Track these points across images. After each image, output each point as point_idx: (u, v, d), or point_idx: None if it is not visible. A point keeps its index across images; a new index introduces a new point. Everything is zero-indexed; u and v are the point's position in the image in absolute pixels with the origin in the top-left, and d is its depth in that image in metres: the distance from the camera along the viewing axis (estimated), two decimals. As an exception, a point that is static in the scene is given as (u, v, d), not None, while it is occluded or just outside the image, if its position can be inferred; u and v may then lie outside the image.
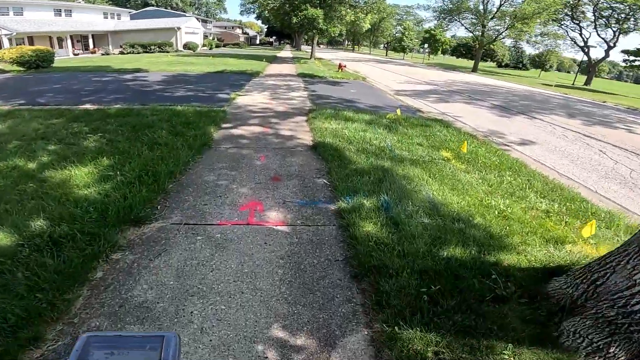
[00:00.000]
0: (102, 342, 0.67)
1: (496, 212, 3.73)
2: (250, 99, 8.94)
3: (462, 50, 71.07)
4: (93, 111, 6.83)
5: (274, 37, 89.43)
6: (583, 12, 35.90)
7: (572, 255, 3.11)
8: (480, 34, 34.78)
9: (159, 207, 3.48)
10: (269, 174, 4.31)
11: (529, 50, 75.27)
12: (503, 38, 32.44)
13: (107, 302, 2.21)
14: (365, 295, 2.45)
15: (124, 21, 39.85)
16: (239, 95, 9.32)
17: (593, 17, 36.03)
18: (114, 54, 33.42)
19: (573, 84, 34.56)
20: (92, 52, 33.47)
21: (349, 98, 10.11)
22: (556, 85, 26.96)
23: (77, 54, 31.82)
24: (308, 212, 3.49)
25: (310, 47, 32.74)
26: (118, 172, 3.86)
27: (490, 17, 31.27)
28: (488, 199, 4.02)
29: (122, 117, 6.25)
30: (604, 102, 18.65)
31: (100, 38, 36.27)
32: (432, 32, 62.07)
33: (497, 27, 32.51)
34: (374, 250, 2.82)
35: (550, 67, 63.33)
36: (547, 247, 3.21)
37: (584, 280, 2.27)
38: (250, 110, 7.66)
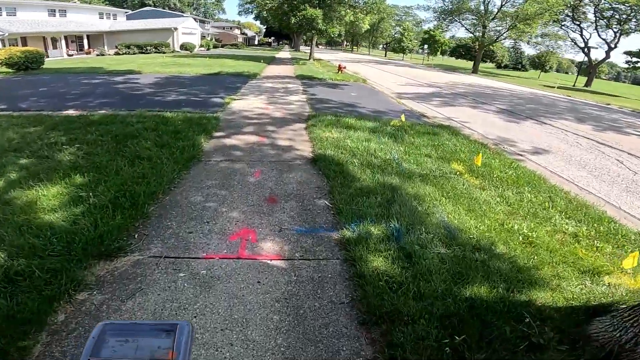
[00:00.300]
0: (117, 330, 0.69)
1: (520, 238, 3.30)
2: (246, 103, 8.47)
3: (461, 51, 70.77)
4: (75, 118, 6.35)
5: (273, 38, 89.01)
6: (584, 13, 35.66)
7: (614, 290, 2.70)
8: (481, 34, 34.41)
9: (136, 235, 3.02)
10: (264, 193, 3.84)
11: (528, 51, 75.23)
12: (504, 39, 32.05)
13: (70, 350, 1.86)
14: (376, 347, 2.03)
15: (120, 21, 39.33)
16: (234, 99, 8.85)
17: (594, 18, 35.83)
18: (109, 54, 32.89)
19: (574, 86, 34.26)
20: (87, 53, 32.92)
21: (350, 102, 9.66)
22: (558, 87, 26.61)
23: (72, 55, 31.28)
24: (308, 242, 3.03)
25: (309, 48, 32.28)
26: (91, 194, 3.38)
27: (491, 17, 30.90)
28: (509, 222, 3.57)
29: (105, 125, 5.77)
30: (608, 104, 18.29)
31: (95, 38, 35.74)
32: (432, 33, 61.81)
33: (497, 28, 32.15)
34: (385, 292, 2.37)
35: (550, 68, 63.06)
36: (583, 280, 2.78)
37: (635, 323, 1.97)
38: (246, 116, 7.19)
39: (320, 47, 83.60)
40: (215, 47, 49.69)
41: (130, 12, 44.31)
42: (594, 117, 11.92)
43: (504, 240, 3.21)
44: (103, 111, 7.14)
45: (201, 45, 43.11)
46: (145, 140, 4.97)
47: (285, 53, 43.69)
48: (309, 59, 29.73)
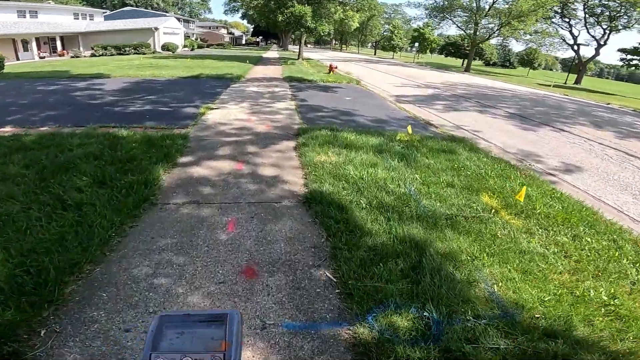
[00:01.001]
0: (173, 322, 0.70)
1: (602, 310, 2.32)
2: (225, 114, 7.18)
3: (450, 49, 70.48)
4: (6, 139, 4.99)
5: (261, 37, 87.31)
6: (575, 10, 35.27)
7: None
8: (473, 32, 33.65)
9: (42, 332, 1.89)
10: (240, 260, 2.63)
11: (515, 48, 75.38)
12: (497, 36, 31.36)
13: None
14: None
15: (97, 22, 37.35)
16: (211, 108, 7.55)
17: (583, 15, 35.50)
18: (84, 56, 30.98)
19: (565, 83, 33.87)
20: (60, 55, 30.95)
21: (346, 109, 8.47)
22: (554, 86, 25.97)
23: (44, 57, 29.32)
24: (305, 350, 1.87)
25: (298, 47, 30.99)
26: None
27: (483, 14, 30.13)
28: (579, 285, 2.57)
29: (37, 150, 4.45)
30: (609, 104, 17.60)
31: (70, 40, 33.77)
32: (421, 30, 61.17)
33: (489, 25, 31.41)
34: None
35: (539, 65, 63.15)
36: None
37: None
38: (222, 132, 5.92)
39: (309, 46, 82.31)
40: (200, 47, 47.89)
41: (108, 12, 42.24)
42: (609, 122, 11.01)
43: (581, 316, 2.23)
44: (46, 128, 5.78)
45: (185, 46, 41.33)
46: (81, 175, 3.68)
47: (273, 53, 42.22)
48: (298, 58, 28.45)
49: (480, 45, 67.52)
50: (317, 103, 8.91)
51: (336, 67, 17.29)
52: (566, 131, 8.58)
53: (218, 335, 0.67)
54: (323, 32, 22.35)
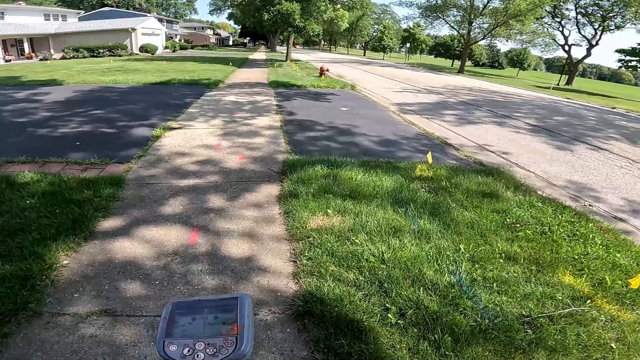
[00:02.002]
0: (185, 308, 0.72)
1: None
2: (187, 137, 5.47)
3: (440, 49, 69.82)
4: None
5: (248, 38, 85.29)
6: (567, 9, 34.57)
7: None
8: (467, 32, 32.55)
9: None
10: None
11: (503, 49, 75.32)
12: (492, 36, 30.26)
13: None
14: None
15: (70, 23, 34.97)
16: (171, 128, 5.82)
17: (574, 15, 34.85)
18: (54, 59, 28.67)
19: (558, 84, 33.11)
20: (27, 58, 28.57)
21: (344, 124, 6.85)
22: (553, 88, 24.94)
23: (9, 60, 26.94)
24: None
25: (286, 48, 29.28)
26: None
27: (478, 14, 29.00)
28: None
29: None
30: (614, 108, 16.53)
31: (40, 42, 31.39)
32: (411, 31, 60.21)
33: (484, 25, 30.32)
34: None
35: (529, 66, 63.03)
36: None
37: None
38: (177, 169, 4.22)
39: (297, 47, 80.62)
40: (184, 48, 45.73)
41: (82, 13, 39.77)
42: (638, 134, 9.70)
43: None
44: None
45: (166, 47, 39.16)
46: None
47: (260, 54, 40.38)
48: (286, 59, 26.77)
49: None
50: (308, 117, 7.26)
51: (327, 70, 15.70)
52: (604, 149, 7.16)
53: (230, 320, 0.68)
54: (313, 32, 20.74)
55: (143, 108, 7.24)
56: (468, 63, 72.62)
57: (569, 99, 18.67)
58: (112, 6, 53.55)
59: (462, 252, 2.74)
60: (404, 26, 62.37)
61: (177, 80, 11.37)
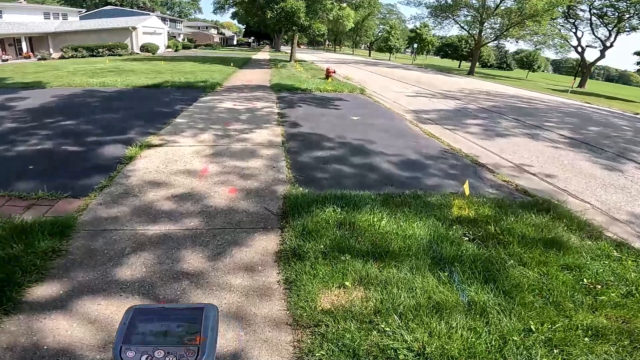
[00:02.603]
0: (147, 315, 0.69)
1: None
2: (167, 158, 4.49)
3: (447, 50, 68.46)
4: None
5: (252, 38, 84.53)
6: (583, 11, 33.24)
7: None
8: (478, 32, 31.35)
9: None
10: None
11: (511, 49, 73.76)
12: (505, 37, 29.01)
13: None
14: None
15: (70, 21, 34.25)
16: (150, 145, 4.84)
17: (588, 16, 33.49)
18: (53, 58, 27.94)
19: (578, 86, 31.82)
20: (25, 57, 27.87)
21: (357, 140, 5.83)
22: (571, 92, 23.70)
23: (6, 60, 26.25)
24: None
25: (290, 48, 28.32)
26: None
27: (491, 13, 27.79)
28: None
29: None
30: (637, 114, 15.38)
31: (39, 41, 30.70)
32: (418, 31, 58.94)
33: (495, 26, 29.08)
34: None
35: (539, 67, 61.48)
36: None
37: None
38: (147, 206, 3.22)
39: (301, 47, 79.69)
40: (186, 47, 44.95)
41: (84, 11, 39.08)
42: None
43: None
44: None
45: (168, 47, 38.36)
46: None
47: (264, 54, 39.46)
48: (290, 60, 25.81)
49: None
50: (315, 129, 6.25)
51: (334, 72, 14.69)
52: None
53: (193, 329, 0.66)
54: (318, 32, 19.73)
55: (123, 118, 6.27)
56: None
57: (589, 103, 17.51)
58: (115, 5, 52.95)
59: (534, 334, 1.81)
60: (410, 26, 61.19)
61: (170, 83, 10.41)
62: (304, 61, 27.95)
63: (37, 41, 30.76)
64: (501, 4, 27.85)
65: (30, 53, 28.83)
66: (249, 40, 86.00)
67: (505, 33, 27.84)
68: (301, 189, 3.70)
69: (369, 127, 6.79)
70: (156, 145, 4.82)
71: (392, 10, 74.86)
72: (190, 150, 4.70)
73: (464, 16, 31.89)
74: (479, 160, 5.53)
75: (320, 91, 10.82)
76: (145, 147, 4.71)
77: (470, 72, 32.37)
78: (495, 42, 31.57)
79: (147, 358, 0.61)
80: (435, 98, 12.05)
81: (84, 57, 27.31)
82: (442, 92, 14.22)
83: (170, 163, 4.26)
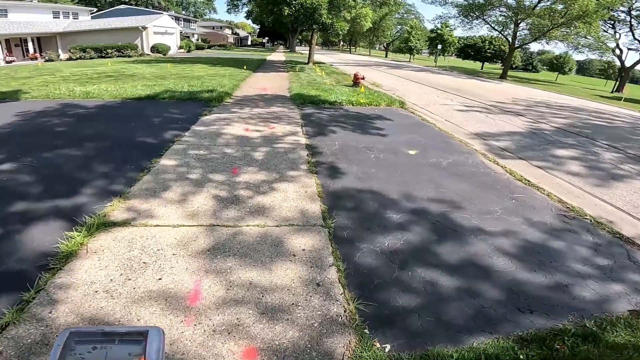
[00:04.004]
0: (85, 337, 0.64)
1: None
2: (132, 254, 2.51)
3: (469, 51, 65.27)
4: None
5: (267, 38, 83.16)
6: (622, 12, 30.13)
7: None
8: (513, 34, 28.67)
9: None
10: None
11: (534, 49, 69.91)
12: (549, 39, 26.23)
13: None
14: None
15: (80, 21, 33.16)
16: (108, 223, 2.88)
17: (629, 18, 30.34)
18: (61, 60, 26.76)
19: (613, 92, 28.88)
20: (32, 59, 26.77)
21: (430, 199, 3.74)
22: (625, 100, 20.90)
23: (11, 62, 25.15)
24: None
25: (307, 49, 26.31)
26: None
27: (530, 13, 25.11)
28: None
29: None
30: None
31: (48, 41, 29.64)
32: (439, 31, 56.12)
33: (533, 27, 26.31)
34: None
35: (570, 69, 57.73)
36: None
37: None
38: None
39: (316, 47, 77.62)
40: (200, 48, 43.57)
41: (95, 11, 38.05)
42: None
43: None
44: None
45: (180, 47, 36.95)
46: None
47: (278, 55, 37.61)
48: (308, 62, 23.80)
49: (502, 47, 62.44)
50: (366, 181, 4.19)
51: (363, 78, 12.59)
52: None
53: (136, 352, 0.61)
54: (341, 31, 17.66)
55: (85, 157, 4.33)
56: (497, 66, 67.77)
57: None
58: (130, 4, 52.09)
59: None
60: (429, 26, 58.44)
61: (168, 94, 8.51)
62: (323, 63, 25.92)
63: (45, 42, 29.70)
64: (540, 4, 25.15)
65: (38, 54, 27.75)
66: (263, 41, 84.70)
67: (547, 34, 25.09)
68: (377, 345, 1.67)
69: (436, 169, 4.70)
70: (118, 224, 2.85)
71: (410, 10, 72.00)
72: (173, 239, 2.70)
73: (496, 17, 29.25)
74: (620, 231, 3.42)
75: (353, 104, 8.76)
76: (100, 228, 2.76)
77: (503, 76, 29.71)
78: (532, 43, 28.72)
79: None
80: (492, 113, 9.82)
81: (92, 58, 26.02)
82: (494, 103, 11.93)
83: (136, 270, 2.29)
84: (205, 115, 6.76)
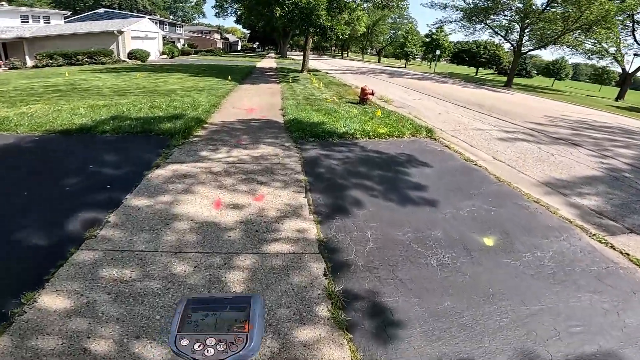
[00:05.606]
0: (199, 304, 0.73)
1: None
2: None
3: (464, 56, 64.16)
4: None
5: (257, 43, 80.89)
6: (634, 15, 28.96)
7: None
8: (519, 39, 27.06)
9: None
10: None
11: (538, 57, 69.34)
12: (555, 44, 24.68)
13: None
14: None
15: (52, 25, 30.39)
16: None
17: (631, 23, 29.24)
18: (27, 67, 24.06)
19: (617, 99, 27.66)
20: (-8, 65, 23.97)
21: None
22: (630, 109, 19.26)
23: (-32, 68, 22.33)
24: None
25: (301, 55, 24.16)
26: None
27: (538, 17, 23.48)
28: None
29: None
30: None
31: (15, 47, 26.87)
32: (434, 36, 54.78)
33: (545, 31, 24.70)
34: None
35: (566, 75, 56.95)
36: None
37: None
38: None
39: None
40: (186, 53, 41.05)
41: (69, 14, 35.30)
42: None
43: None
44: None
45: (163, 53, 34.42)
46: None
47: (269, 61, 35.35)
48: (302, 70, 21.64)
49: (497, 52, 61.36)
50: (441, 336, 1.98)
51: (372, 93, 10.43)
52: None
53: (242, 317, 0.70)
54: (343, 35, 15.56)
55: None
56: (490, 71, 66.74)
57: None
58: (113, 8, 49.27)
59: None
60: (422, 31, 57.07)
61: (114, 124, 6.09)
62: (318, 71, 23.79)
63: (12, 47, 26.94)
64: (549, 7, 23.58)
65: (1, 62, 24.97)
66: (254, 46, 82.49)
67: (558, 40, 23.48)
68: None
69: (544, 281, 2.49)
70: None
71: (404, 14, 70.72)
72: None
73: (499, 21, 27.66)
74: None
75: (370, 137, 6.54)
76: None
77: (508, 84, 28.09)
78: (541, 49, 27.16)
79: (199, 346, 0.64)
80: (542, 143, 7.71)
81: (60, 65, 23.37)
82: (533, 126, 9.86)
83: None
84: (157, 168, 4.43)
